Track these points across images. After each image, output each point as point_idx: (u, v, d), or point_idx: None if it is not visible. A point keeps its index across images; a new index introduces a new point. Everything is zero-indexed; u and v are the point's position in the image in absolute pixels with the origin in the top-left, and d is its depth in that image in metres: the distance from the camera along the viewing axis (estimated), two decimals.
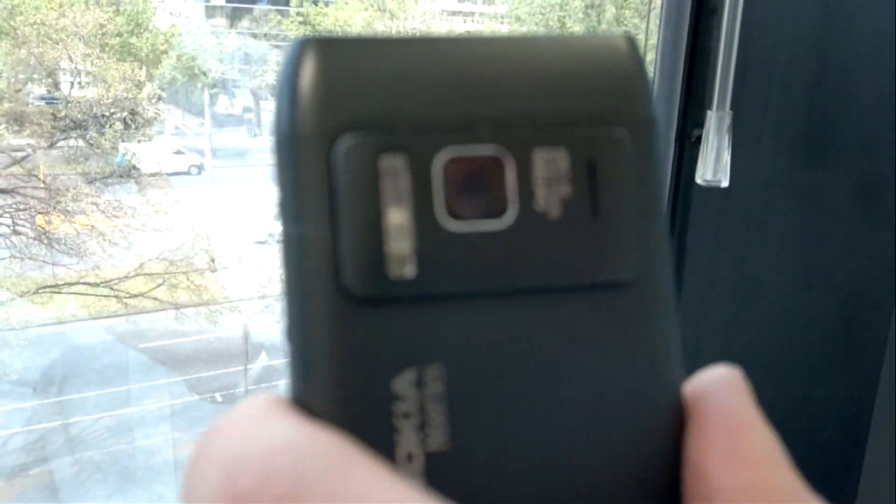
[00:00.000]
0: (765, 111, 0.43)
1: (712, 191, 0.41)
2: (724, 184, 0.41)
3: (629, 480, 0.12)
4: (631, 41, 0.13)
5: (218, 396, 3.55)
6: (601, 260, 0.12)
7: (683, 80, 0.42)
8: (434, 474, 0.12)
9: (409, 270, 0.12)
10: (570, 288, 0.12)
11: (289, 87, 0.12)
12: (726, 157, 0.40)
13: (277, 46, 5.46)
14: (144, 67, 3.99)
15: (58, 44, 3.43)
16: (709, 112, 0.40)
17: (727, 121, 0.40)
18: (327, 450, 0.11)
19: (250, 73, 5.43)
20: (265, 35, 5.57)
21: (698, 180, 0.41)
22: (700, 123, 0.43)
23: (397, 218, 0.11)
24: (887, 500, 0.46)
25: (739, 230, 0.44)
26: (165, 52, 4.45)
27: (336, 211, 0.11)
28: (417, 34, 0.13)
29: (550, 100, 0.13)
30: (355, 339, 0.12)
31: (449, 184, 0.12)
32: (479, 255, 0.12)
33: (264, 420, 0.11)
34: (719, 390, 0.13)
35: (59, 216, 3.38)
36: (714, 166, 0.39)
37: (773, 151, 0.44)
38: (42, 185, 3.36)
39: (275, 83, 0.13)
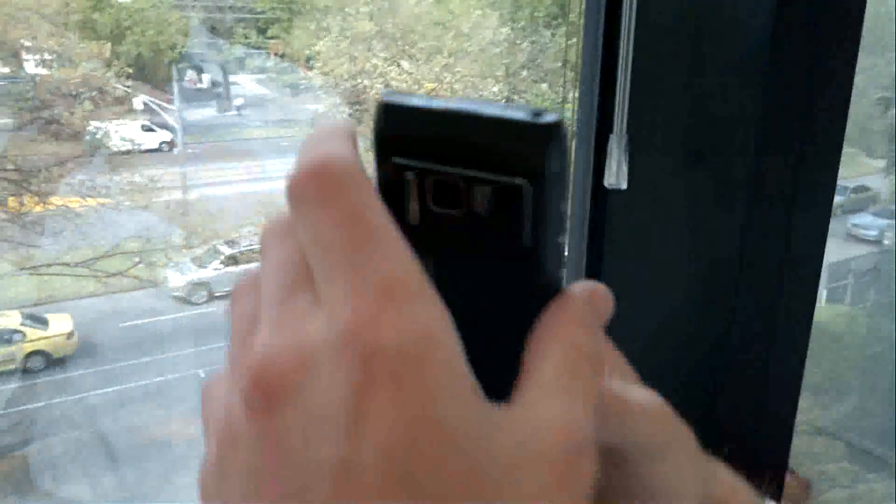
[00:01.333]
0: (655, 129, 0.55)
1: (620, 191, 0.54)
2: (624, 186, 0.53)
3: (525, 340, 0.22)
4: (556, 124, 0.22)
5: (201, 372, 3.61)
6: (515, 238, 0.22)
7: (599, 103, 0.54)
8: None
9: (414, 219, 0.22)
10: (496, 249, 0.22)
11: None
12: (624, 168, 0.52)
13: (243, 19, 5.35)
14: (109, 44, 3.92)
15: (21, 22, 3.37)
16: (611, 135, 0.52)
17: (624, 142, 0.52)
18: (357, 170, 0.22)
19: (217, 46, 5.35)
20: (230, 7, 5.47)
21: (605, 184, 0.53)
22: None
23: (413, 202, 0.23)
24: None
25: (641, 219, 0.57)
26: (129, 27, 4.37)
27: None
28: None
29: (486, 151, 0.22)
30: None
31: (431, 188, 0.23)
32: (446, 225, 0.22)
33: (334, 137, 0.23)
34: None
35: (31, 198, 3.36)
36: (616, 174, 0.52)
37: (661, 160, 0.56)
38: (13, 167, 3.33)
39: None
